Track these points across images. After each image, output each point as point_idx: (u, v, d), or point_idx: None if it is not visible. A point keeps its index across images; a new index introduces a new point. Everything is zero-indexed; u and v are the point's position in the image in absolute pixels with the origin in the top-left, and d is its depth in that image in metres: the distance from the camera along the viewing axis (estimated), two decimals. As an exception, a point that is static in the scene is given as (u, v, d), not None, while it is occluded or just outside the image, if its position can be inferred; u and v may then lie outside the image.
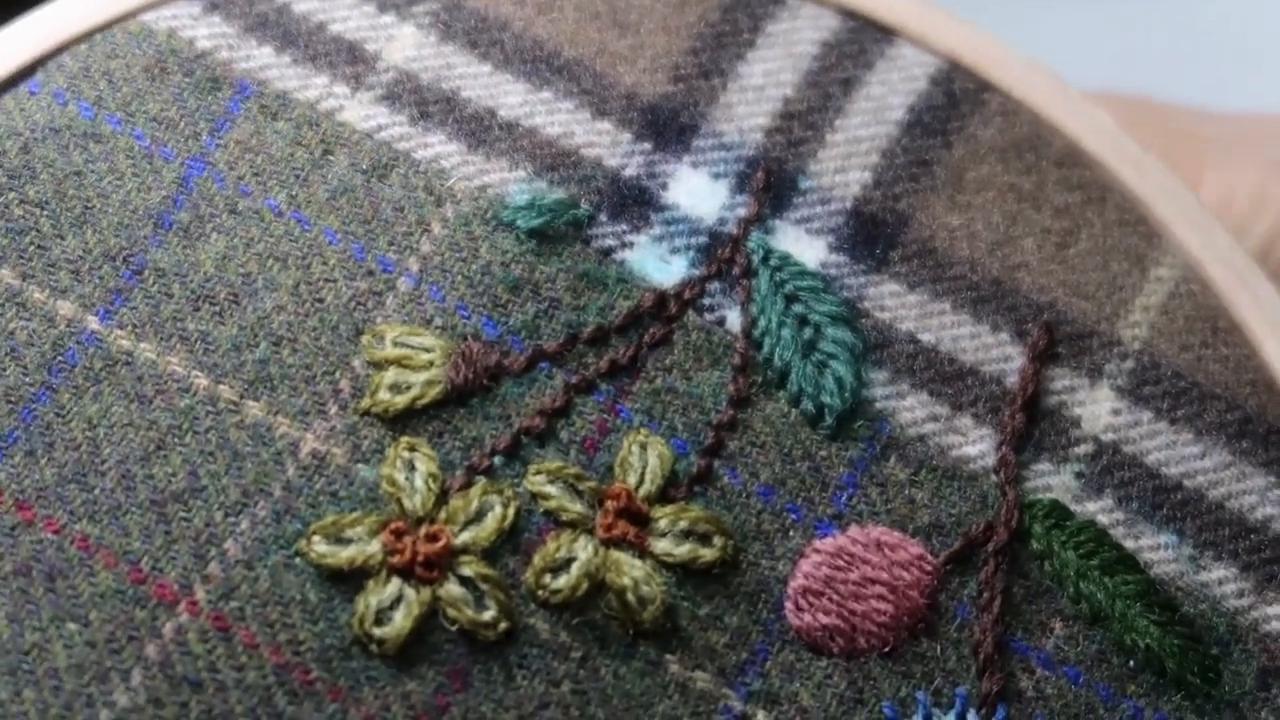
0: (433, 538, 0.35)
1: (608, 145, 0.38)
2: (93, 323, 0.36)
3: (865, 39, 0.40)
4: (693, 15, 0.40)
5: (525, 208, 0.37)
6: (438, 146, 0.38)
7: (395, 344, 0.36)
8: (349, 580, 0.34)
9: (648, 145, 0.38)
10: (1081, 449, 0.37)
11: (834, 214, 0.38)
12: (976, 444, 0.37)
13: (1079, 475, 0.37)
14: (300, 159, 0.38)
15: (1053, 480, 0.37)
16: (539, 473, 0.36)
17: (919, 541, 0.36)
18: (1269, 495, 0.37)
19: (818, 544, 0.36)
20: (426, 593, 0.34)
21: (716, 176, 0.38)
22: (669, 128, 0.39)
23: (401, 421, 0.36)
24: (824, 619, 0.35)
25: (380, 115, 0.38)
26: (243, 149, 0.38)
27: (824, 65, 0.40)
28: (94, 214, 0.37)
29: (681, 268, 0.38)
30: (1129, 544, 0.36)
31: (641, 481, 0.36)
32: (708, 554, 0.35)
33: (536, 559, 0.35)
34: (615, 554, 0.35)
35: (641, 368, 0.37)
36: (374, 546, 0.35)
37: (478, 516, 0.35)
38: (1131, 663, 0.35)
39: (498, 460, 0.36)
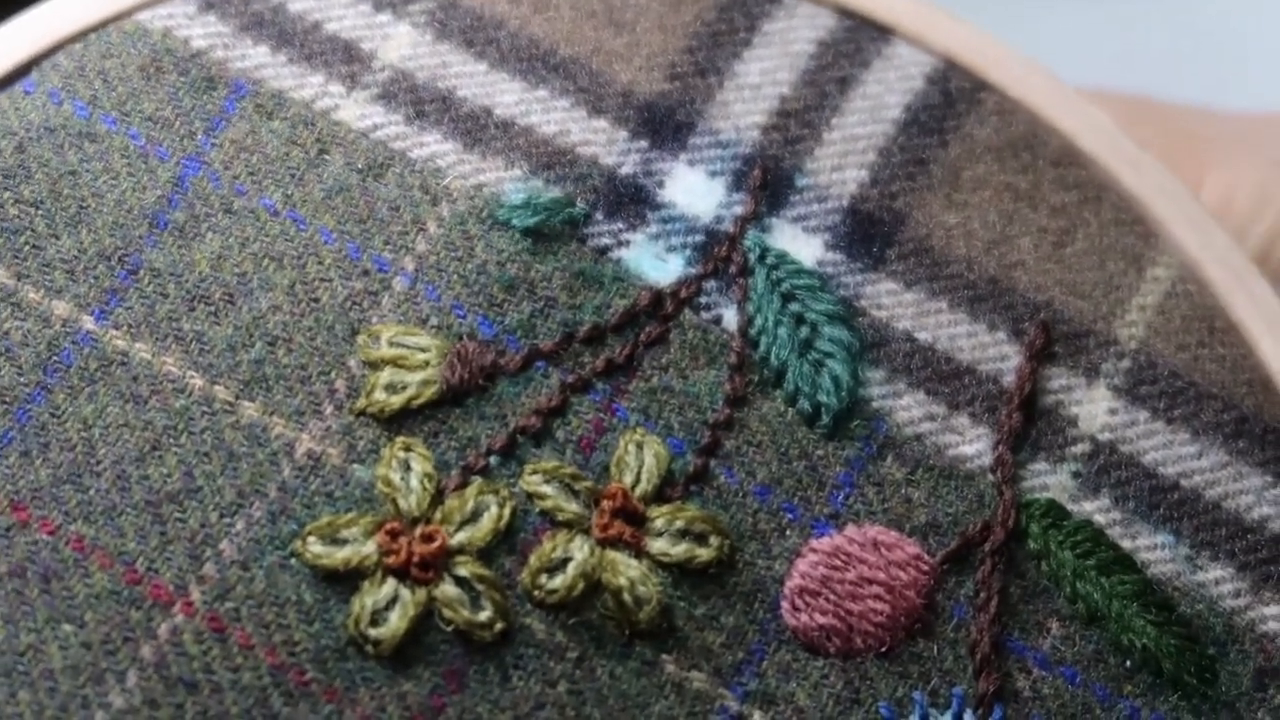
0: (428, 538, 0.35)
1: (604, 143, 0.38)
2: (88, 323, 0.36)
3: (862, 38, 0.40)
4: (689, 14, 0.40)
5: (521, 206, 0.37)
6: (433, 145, 0.38)
7: (391, 344, 0.36)
8: (344, 581, 0.34)
9: (644, 143, 0.38)
10: (1078, 448, 0.37)
11: (831, 212, 0.38)
12: (973, 443, 0.37)
13: (1076, 475, 0.37)
14: (296, 158, 0.37)
15: (1049, 480, 0.37)
16: (535, 472, 0.36)
17: (916, 541, 0.36)
18: (1265, 495, 0.37)
19: (814, 543, 0.36)
20: (422, 593, 0.34)
21: (713, 174, 0.38)
22: (665, 126, 0.39)
23: (397, 421, 0.36)
24: (820, 619, 0.35)
25: (376, 114, 0.38)
26: (238, 148, 0.37)
27: (821, 64, 0.39)
28: (89, 214, 0.37)
29: (678, 266, 0.38)
30: (1126, 544, 0.36)
31: (638, 481, 0.36)
32: (704, 554, 0.35)
33: (532, 559, 0.35)
34: (611, 554, 0.35)
35: (638, 367, 0.37)
36: (369, 547, 0.35)
37: (473, 517, 0.35)
38: (1128, 663, 0.35)
39: (493, 460, 0.36)
